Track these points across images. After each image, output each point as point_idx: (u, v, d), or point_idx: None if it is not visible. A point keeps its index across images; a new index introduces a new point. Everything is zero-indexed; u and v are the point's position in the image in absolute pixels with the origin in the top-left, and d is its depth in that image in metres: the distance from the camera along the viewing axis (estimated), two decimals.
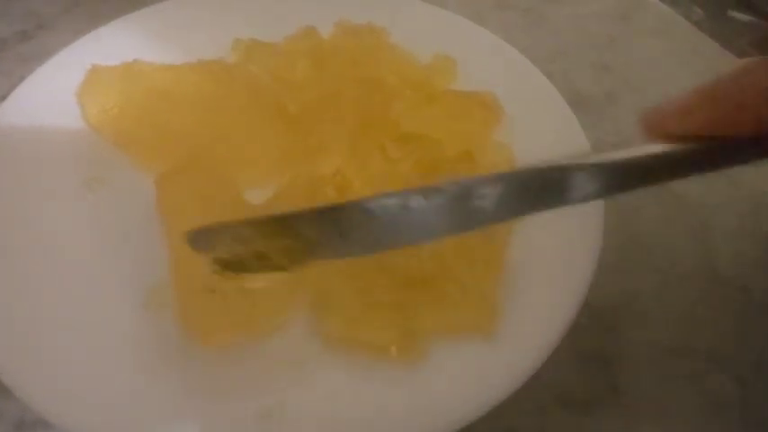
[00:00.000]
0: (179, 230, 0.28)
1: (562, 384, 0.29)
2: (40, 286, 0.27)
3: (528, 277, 0.28)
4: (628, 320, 0.31)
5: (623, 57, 0.43)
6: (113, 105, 0.32)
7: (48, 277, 0.28)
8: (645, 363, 0.30)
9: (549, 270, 0.28)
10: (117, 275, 0.28)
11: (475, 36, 0.37)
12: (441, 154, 0.31)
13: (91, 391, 0.25)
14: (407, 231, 0.22)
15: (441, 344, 0.26)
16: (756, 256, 0.34)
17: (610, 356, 0.30)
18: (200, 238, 0.23)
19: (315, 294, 0.27)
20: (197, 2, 0.39)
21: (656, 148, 0.20)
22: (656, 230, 0.34)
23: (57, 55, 0.34)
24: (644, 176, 0.21)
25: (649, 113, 0.21)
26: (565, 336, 0.25)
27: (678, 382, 0.29)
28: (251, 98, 0.34)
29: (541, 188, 0.21)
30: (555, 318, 0.26)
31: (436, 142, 0.32)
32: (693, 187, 0.36)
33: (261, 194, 0.30)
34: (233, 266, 0.23)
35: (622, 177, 0.20)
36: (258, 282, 0.25)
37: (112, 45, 0.35)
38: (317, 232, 0.22)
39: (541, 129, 0.33)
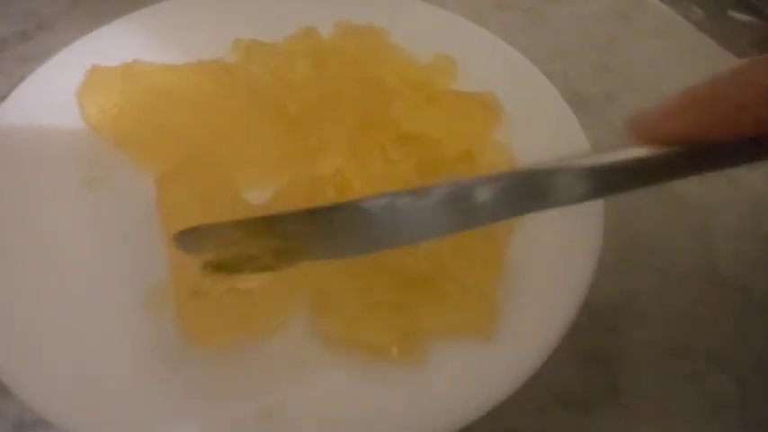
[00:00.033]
0: (178, 230, 0.28)
1: (562, 384, 0.29)
2: (40, 286, 0.27)
3: (528, 277, 0.28)
4: (628, 320, 0.31)
5: (623, 57, 0.43)
6: (113, 105, 0.32)
7: (48, 277, 0.28)
8: (645, 363, 0.30)
9: (549, 270, 0.28)
10: (117, 275, 0.28)
11: (475, 36, 0.37)
12: (441, 154, 0.31)
13: (91, 391, 0.25)
14: (396, 232, 0.22)
15: (441, 344, 0.26)
16: (756, 256, 0.34)
17: (610, 356, 0.30)
18: (189, 240, 0.23)
19: (315, 294, 0.27)
20: (197, 2, 0.39)
21: (647, 150, 0.20)
22: (656, 230, 0.34)
23: (57, 55, 0.34)
24: (634, 179, 0.21)
25: (637, 117, 0.21)
26: (565, 336, 0.25)
27: (678, 382, 0.29)
28: (251, 98, 0.34)
29: (530, 190, 0.21)
30: (555, 318, 0.26)
31: (436, 142, 0.32)
32: (693, 187, 0.36)
33: (261, 194, 0.30)
34: (222, 267, 0.23)
35: (612, 179, 0.20)
36: (249, 282, 0.25)
37: (112, 45, 0.35)
38: (304, 233, 0.22)
39: (541, 129, 0.33)
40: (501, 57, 0.36)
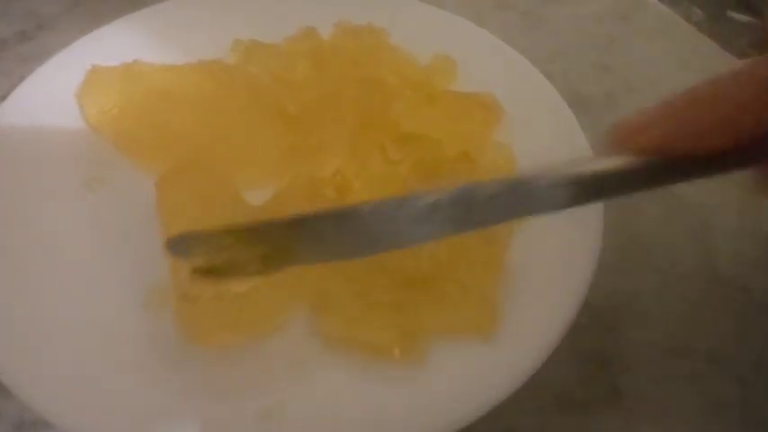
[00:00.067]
0: (178, 231, 0.28)
1: (562, 384, 0.29)
2: (40, 286, 0.27)
3: (528, 277, 0.28)
4: (628, 320, 0.31)
5: (623, 57, 0.43)
6: (113, 106, 0.32)
7: (48, 277, 0.28)
8: (645, 363, 0.30)
9: (549, 270, 0.28)
10: (117, 275, 0.28)
11: (474, 37, 0.37)
12: (441, 154, 0.31)
13: (91, 391, 0.25)
14: (380, 238, 0.22)
15: (441, 344, 0.26)
16: (756, 256, 0.34)
17: (610, 356, 0.30)
18: (180, 245, 0.23)
19: (314, 295, 0.27)
20: (197, 2, 0.39)
21: (627, 159, 0.20)
22: (656, 230, 0.34)
23: (56, 55, 0.34)
24: (616, 187, 0.21)
25: (617, 127, 0.21)
26: (565, 336, 0.25)
27: (678, 382, 0.29)
28: (251, 99, 0.34)
29: (513, 198, 0.21)
30: (555, 318, 0.26)
31: (436, 142, 0.32)
32: (693, 187, 0.36)
33: (261, 195, 0.30)
34: (212, 273, 0.23)
35: (593, 188, 0.21)
36: (237, 287, 0.25)
37: (112, 45, 0.35)
38: (291, 240, 0.22)
39: (541, 129, 0.33)
40: (501, 57, 0.36)
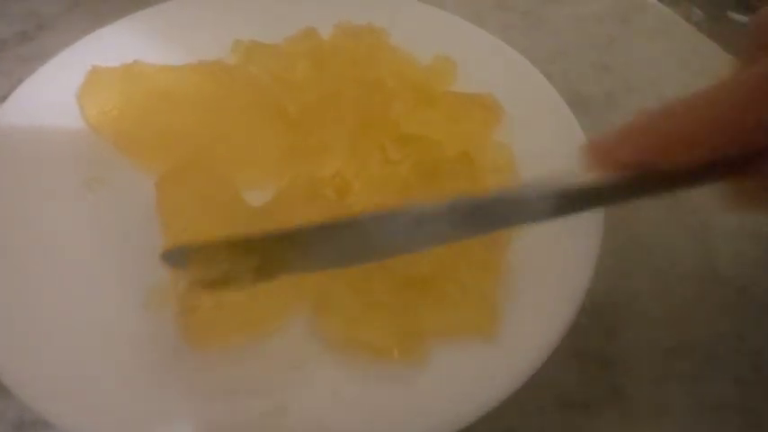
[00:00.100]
0: (179, 231, 0.28)
1: (562, 385, 0.29)
2: (40, 286, 0.27)
3: (528, 278, 0.28)
4: (628, 320, 0.31)
5: (623, 57, 0.43)
6: (113, 106, 0.33)
7: (48, 277, 0.28)
8: (645, 363, 0.30)
9: (549, 270, 0.28)
10: (117, 275, 0.28)
11: (474, 37, 0.37)
12: (441, 155, 0.31)
13: (91, 391, 0.25)
14: (371, 248, 0.23)
15: (441, 344, 0.26)
16: (756, 256, 0.34)
17: (610, 356, 0.30)
18: (176, 257, 0.24)
19: (315, 295, 0.27)
20: (197, 3, 0.39)
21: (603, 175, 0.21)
22: (655, 231, 0.34)
23: (57, 56, 0.34)
24: (593, 201, 0.22)
25: (592, 144, 0.21)
26: (565, 336, 0.25)
27: (678, 382, 0.29)
28: (251, 99, 0.34)
29: (500, 208, 0.22)
30: (555, 318, 0.26)
31: (436, 143, 0.32)
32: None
33: (260, 195, 0.30)
34: (207, 285, 0.24)
35: (578, 200, 0.22)
36: (231, 297, 0.25)
37: (112, 46, 0.35)
38: (284, 251, 0.23)
39: (541, 129, 0.33)
40: (500, 57, 0.36)
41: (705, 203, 0.35)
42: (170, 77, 0.34)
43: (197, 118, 0.32)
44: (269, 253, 0.23)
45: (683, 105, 0.20)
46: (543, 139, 0.32)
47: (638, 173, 0.21)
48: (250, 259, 0.23)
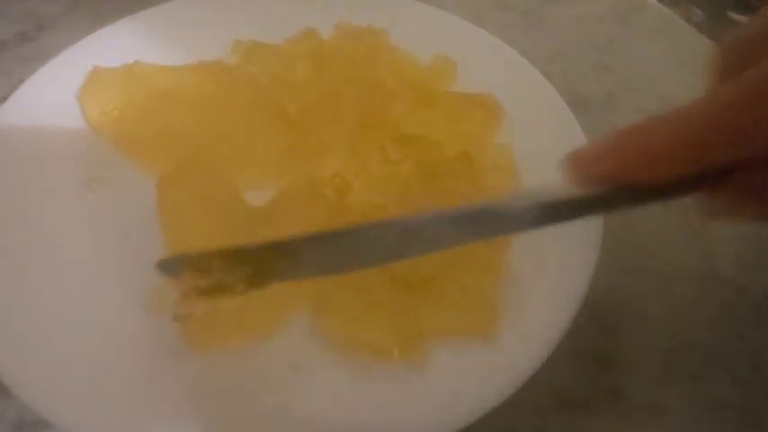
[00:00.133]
0: (179, 231, 0.28)
1: (562, 385, 0.29)
2: (40, 286, 0.27)
3: (528, 278, 0.28)
4: (628, 320, 0.31)
5: (623, 57, 0.43)
6: (114, 107, 0.33)
7: (48, 277, 0.28)
8: (645, 363, 0.30)
9: (549, 271, 0.28)
10: (117, 276, 0.28)
11: (474, 37, 0.37)
12: (440, 155, 0.31)
13: (91, 391, 0.25)
14: (356, 259, 0.24)
15: (441, 344, 0.26)
16: (756, 256, 0.34)
17: (610, 356, 0.30)
18: (170, 267, 0.25)
19: (315, 295, 0.27)
20: (197, 3, 0.39)
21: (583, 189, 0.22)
22: (656, 231, 0.34)
23: (57, 56, 0.34)
24: (577, 211, 0.23)
25: (570, 158, 0.22)
26: (565, 336, 0.25)
27: (678, 382, 0.29)
28: (251, 99, 0.34)
29: (487, 218, 0.23)
30: (555, 318, 0.26)
31: (436, 143, 0.32)
32: None
33: (260, 195, 0.30)
34: (201, 294, 0.24)
35: (562, 211, 0.23)
36: (224, 305, 0.25)
37: (113, 46, 0.35)
38: (275, 260, 0.24)
39: (541, 129, 0.33)
40: (500, 58, 0.36)
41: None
42: (170, 78, 0.34)
43: (197, 118, 0.32)
44: (261, 262, 0.24)
45: (660, 121, 0.21)
46: (543, 140, 0.32)
47: (618, 186, 0.21)
48: (243, 268, 0.24)
